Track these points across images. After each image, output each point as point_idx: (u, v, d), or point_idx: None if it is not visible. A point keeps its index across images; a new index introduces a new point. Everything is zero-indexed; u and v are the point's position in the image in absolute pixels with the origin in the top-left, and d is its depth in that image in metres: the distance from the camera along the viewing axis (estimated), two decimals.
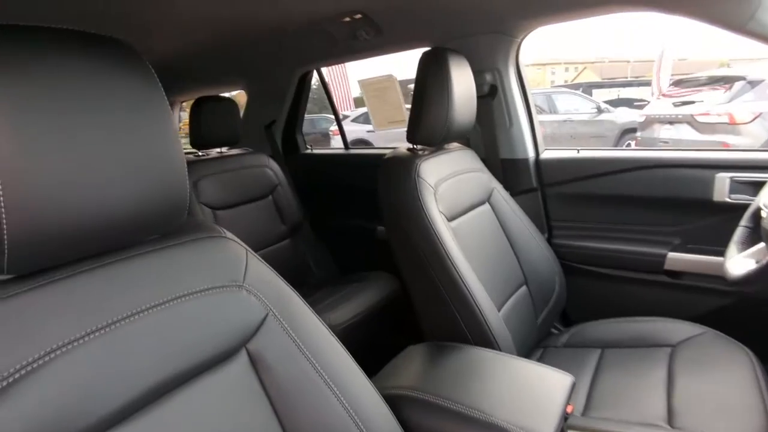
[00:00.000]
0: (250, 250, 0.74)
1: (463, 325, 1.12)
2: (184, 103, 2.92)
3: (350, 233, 2.16)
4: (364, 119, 8.69)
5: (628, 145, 6.97)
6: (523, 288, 1.37)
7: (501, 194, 1.45)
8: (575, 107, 7.76)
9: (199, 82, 2.42)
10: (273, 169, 2.02)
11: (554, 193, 1.59)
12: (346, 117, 8.75)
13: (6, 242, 0.44)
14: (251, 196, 1.93)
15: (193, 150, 1.94)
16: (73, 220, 0.48)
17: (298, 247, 2.08)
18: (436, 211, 1.14)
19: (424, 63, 1.20)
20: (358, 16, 1.49)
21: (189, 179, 1.72)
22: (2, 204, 0.43)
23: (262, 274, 0.71)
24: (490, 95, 1.53)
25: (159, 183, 0.57)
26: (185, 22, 1.54)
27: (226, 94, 2.14)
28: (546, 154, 1.61)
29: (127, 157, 0.52)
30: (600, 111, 7.50)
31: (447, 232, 1.14)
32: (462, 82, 1.23)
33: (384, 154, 2.05)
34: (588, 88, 10.02)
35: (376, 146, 8.55)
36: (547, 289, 1.42)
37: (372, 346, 1.83)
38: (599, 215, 1.53)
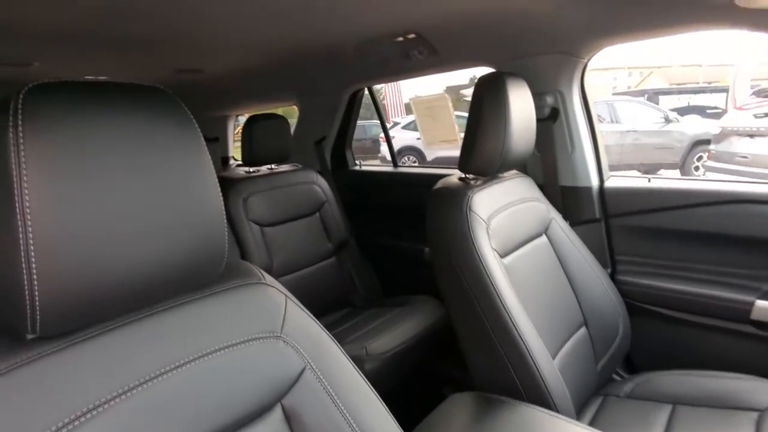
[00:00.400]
0: (289, 294, 0.70)
1: (514, 374, 1.04)
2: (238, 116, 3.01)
3: (396, 253, 2.11)
4: (414, 126, 8.65)
5: (700, 158, 6.44)
6: (583, 330, 1.26)
7: (560, 225, 1.34)
8: (640, 116, 7.29)
9: (252, 97, 2.47)
10: (321, 185, 2.02)
11: (620, 225, 1.45)
12: (396, 124, 8.75)
13: (38, 304, 0.43)
14: (299, 212, 1.93)
15: (244, 166, 1.97)
16: (108, 279, 0.47)
17: (344, 266, 2.06)
18: (488, 248, 1.07)
19: (481, 88, 1.13)
20: (412, 36, 1.44)
21: (239, 196, 1.71)
22: (34, 262, 0.41)
23: (301, 322, 0.68)
24: (550, 119, 1.43)
25: (198, 236, 0.54)
26: (239, 43, 1.56)
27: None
28: (612, 182, 1.47)
29: (166, 210, 0.50)
30: (668, 121, 7.00)
31: (499, 272, 1.06)
32: (521, 108, 1.14)
33: (433, 174, 2.03)
34: (654, 95, 9.40)
35: (425, 154, 8.59)
36: (609, 332, 1.29)
37: (416, 375, 1.76)
38: (672, 252, 1.37)
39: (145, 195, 0.48)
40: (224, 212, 0.58)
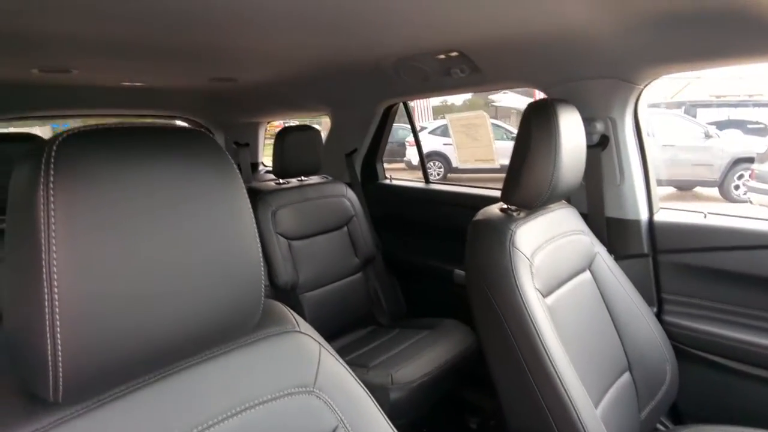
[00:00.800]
0: (323, 342, 0.67)
1: (553, 423, 0.97)
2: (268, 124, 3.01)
3: (425, 273, 2.05)
4: (441, 131, 8.55)
5: (741, 176, 6.15)
6: (626, 375, 1.17)
7: (604, 260, 1.26)
8: (676, 130, 7.00)
9: (284, 106, 2.45)
10: (350, 199, 1.98)
11: (669, 262, 1.36)
12: (423, 129, 8.66)
13: (61, 372, 0.39)
14: (327, 226, 1.89)
15: (272, 173, 1.95)
16: (138, 339, 0.43)
17: (370, 282, 2.01)
18: (531, 288, 1.00)
19: (529, 116, 1.06)
20: (455, 54, 1.38)
21: (268, 209, 1.67)
22: (58, 328, 0.38)
23: (335, 374, 0.64)
24: (599, 146, 1.35)
25: (234, 290, 0.51)
26: (274, 55, 1.53)
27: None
28: (662, 216, 1.38)
29: (202, 264, 0.47)
30: (708, 136, 6.70)
31: (542, 314, 0.99)
32: (572, 137, 1.07)
33: (466, 194, 1.95)
34: (691, 107, 9.03)
35: (451, 159, 8.46)
36: (654, 378, 1.20)
37: (442, 403, 1.70)
38: (727, 295, 1.27)
39: (180, 250, 0.45)
40: (262, 262, 0.54)
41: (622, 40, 1.12)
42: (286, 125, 1.86)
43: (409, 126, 2.25)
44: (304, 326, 0.67)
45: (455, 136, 1.79)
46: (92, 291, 0.40)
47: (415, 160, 8.27)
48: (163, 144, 0.47)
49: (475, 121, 1.70)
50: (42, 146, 0.40)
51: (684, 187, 6.52)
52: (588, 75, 1.28)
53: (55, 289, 0.38)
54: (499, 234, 1.04)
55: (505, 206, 1.15)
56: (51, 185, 0.38)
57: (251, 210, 0.54)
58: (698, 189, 6.51)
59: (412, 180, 2.22)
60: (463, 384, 1.73)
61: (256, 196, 1.72)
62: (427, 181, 2.15)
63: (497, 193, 1.84)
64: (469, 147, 1.77)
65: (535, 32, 1.16)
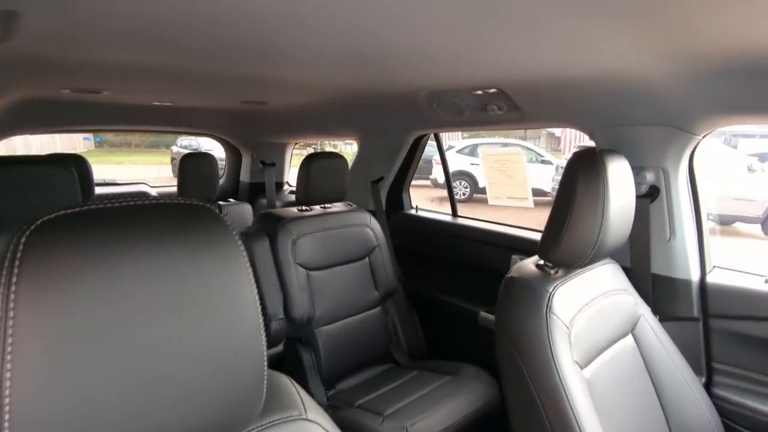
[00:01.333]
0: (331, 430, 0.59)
1: None
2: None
3: (446, 311, 1.95)
4: (469, 151, 8.45)
5: None
6: None
7: (649, 323, 1.14)
8: (716, 160, 6.69)
9: (312, 129, 2.42)
10: (374, 228, 1.90)
11: (722, 328, 1.23)
12: (451, 147, 8.57)
13: None
14: (348, 257, 1.82)
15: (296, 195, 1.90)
16: None
17: (389, 317, 1.92)
18: (569, 361, 0.90)
19: (575, 166, 0.97)
20: (493, 90, 1.31)
21: (289, 237, 1.59)
22: None
23: None
24: (647, 196, 1.24)
25: (232, 389, 0.44)
26: (305, 83, 1.50)
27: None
28: (716, 276, 1.25)
29: (194, 365, 0.41)
30: (750, 170, 6.38)
31: (579, 389, 0.89)
32: (621, 191, 0.97)
33: (496, 232, 1.85)
34: (732, 137, 8.64)
35: (478, 179, 8.31)
36: None
37: None
38: None
39: (172, 353, 0.39)
40: (264, 352, 0.47)
41: (684, 87, 1.02)
42: (313, 152, 1.81)
43: (435, 143, 2.16)
44: (312, 411, 0.59)
45: (488, 172, 1.71)
46: (56, 412, 0.33)
47: (441, 178, 8.18)
48: (156, 229, 0.40)
49: (509, 158, 1.61)
50: (8, 239, 0.34)
51: (723, 222, 6.20)
52: (639, 121, 1.18)
53: (6, 415, 0.32)
54: (535, 296, 0.94)
55: (541, 262, 1.05)
56: (12, 294, 0.32)
57: (255, 293, 0.47)
58: (738, 224, 6.18)
59: (439, 212, 2.13)
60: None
61: (278, 223, 1.67)
62: (454, 214, 2.06)
63: (532, 235, 1.76)
64: (501, 183, 1.68)
65: (583, 74, 1.08)
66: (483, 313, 1.78)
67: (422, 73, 1.24)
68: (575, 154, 0.98)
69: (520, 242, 1.72)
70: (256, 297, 0.47)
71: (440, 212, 2.12)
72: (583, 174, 0.95)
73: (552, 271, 1.02)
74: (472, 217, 1.99)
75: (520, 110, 1.35)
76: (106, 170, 9.80)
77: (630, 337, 1.12)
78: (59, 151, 2.20)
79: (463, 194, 8.14)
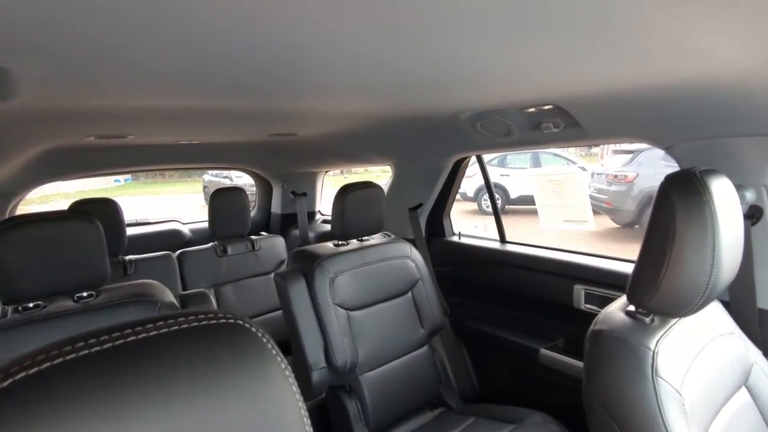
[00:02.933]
0: None
1: None
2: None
3: (500, 348, 1.77)
4: (498, 162, 8.22)
5: None
6: None
7: (763, 370, 0.95)
8: None
9: (344, 157, 2.32)
10: (415, 260, 1.76)
11: None
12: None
13: None
14: (390, 293, 1.68)
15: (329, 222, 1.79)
16: None
17: (437, 356, 1.76)
18: None
19: (670, 194, 0.80)
20: (549, 107, 1.16)
21: (326, 276, 1.46)
22: None
23: None
24: (748, 218, 1.04)
25: None
26: (336, 112, 1.39)
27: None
28: None
29: None
30: None
31: None
32: (731, 219, 0.79)
33: (552, 259, 1.67)
34: None
35: (509, 191, 8.05)
36: None
37: None
38: None
39: None
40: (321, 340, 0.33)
41: None
42: (347, 183, 1.69)
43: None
44: None
45: (540, 193, 1.53)
46: None
47: (470, 192, 7.96)
48: (178, 373, 0.28)
49: (568, 177, 1.44)
50: None
51: None
52: (736, 132, 1.00)
53: None
54: (635, 356, 0.77)
55: (632, 308, 0.88)
56: None
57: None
58: None
59: (485, 238, 1.97)
60: None
61: (314, 261, 1.55)
62: (503, 239, 1.89)
63: (596, 262, 1.56)
64: (556, 205, 1.50)
65: (666, 84, 0.91)
66: (544, 351, 1.60)
67: (466, 94, 1.11)
68: (668, 179, 0.81)
69: (582, 271, 1.53)
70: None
71: (486, 238, 1.95)
72: (682, 202, 0.77)
73: (647, 320, 0.84)
74: (524, 243, 1.81)
75: (581, 127, 1.19)
76: (143, 201, 10.43)
77: (744, 391, 0.92)
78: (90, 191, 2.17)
79: None
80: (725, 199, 0.79)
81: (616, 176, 5.69)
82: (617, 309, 0.89)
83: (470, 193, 8.02)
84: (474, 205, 7.98)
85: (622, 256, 1.54)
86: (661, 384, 0.74)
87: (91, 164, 2.08)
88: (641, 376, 0.75)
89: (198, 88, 0.92)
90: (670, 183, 0.80)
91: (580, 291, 1.51)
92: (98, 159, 2.04)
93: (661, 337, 0.80)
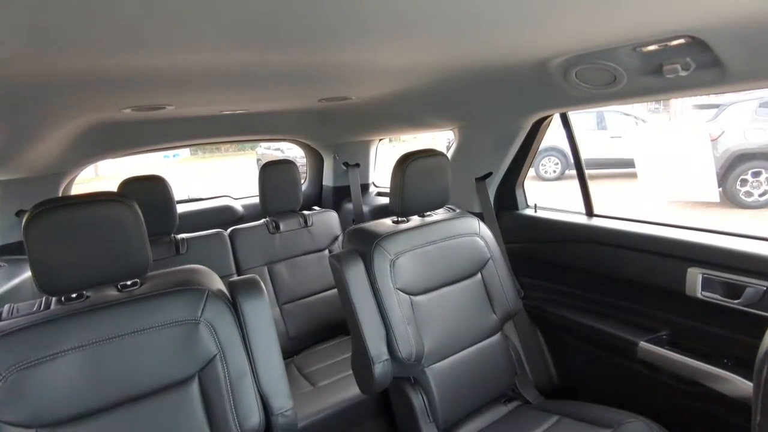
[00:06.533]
0: None
1: None
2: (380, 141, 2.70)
3: (588, 339, 1.54)
4: (557, 124, 7.60)
5: None
6: None
7: None
8: None
9: (401, 122, 2.09)
10: (485, 237, 1.54)
11: None
12: None
13: None
14: (457, 275, 1.49)
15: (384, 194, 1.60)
16: None
17: (511, 345, 1.56)
18: None
19: None
20: (680, 41, 0.87)
21: (386, 258, 1.26)
22: None
23: None
24: None
25: None
26: (393, 69, 1.18)
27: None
28: None
29: None
30: None
31: None
32: None
33: (662, 238, 1.30)
34: None
35: (569, 155, 7.36)
36: None
37: None
38: None
39: None
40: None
41: None
42: (407, 151, 1.48)
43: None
44: None
45: (642, 159, 1.24)
46: None
47: (543, 169, 7.42)
48: None
49: (688, 134, 1.13)
50: None
51: None
52: None
53: None
54: None
55: None
56: None
57: None
58: None
59: (566, 211, 1.70)
60: None
61: (372, 242, 1.38)
62: (590, 213, 1.62)
63: (717, 240, 1.23)
64: (666, 176, 1.21)
65: None
66: (644, 344, 1.35)
67: (559, 32, 0.86)
68: None
69: (698, 250, 1.25)
70: None
71: (569, 211, 1.68)
72: None
73: None
74: (619, 216, 1.53)
75: (722, 66, 0.90)
76: (206, 169, 11.57)
77: None
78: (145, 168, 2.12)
79: (554, 171, 7.34)
80: None
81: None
82: None
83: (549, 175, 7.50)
84: (531, 171, 7.48)
85: (754, 234, 1.23)
86: None
87: (133, 141, 2.00)
88: None
89: (240, 38, 0.76)
90: None
91: (695, 275, 1.24)
92: (141, 135, 1.96)
93: None
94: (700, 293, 1.23)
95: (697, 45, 0.88)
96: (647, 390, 1.38)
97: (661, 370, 1.32)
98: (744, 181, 4.79)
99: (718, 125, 5.04)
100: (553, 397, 1.55)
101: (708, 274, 1.22)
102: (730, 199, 4.84)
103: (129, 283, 0.98)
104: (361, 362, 1.32)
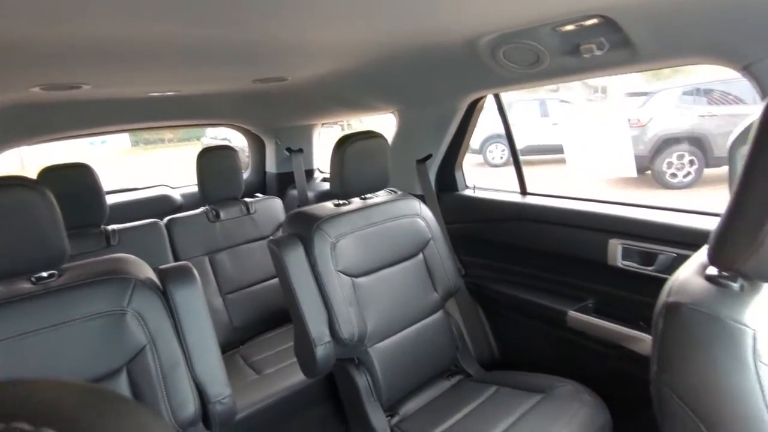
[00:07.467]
0: None
1: None
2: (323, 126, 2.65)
3: (524, 311, 1.61)
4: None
5: None
6: None
7: None
8: None
9: (342, 105, 2.07)
10: (425, 218, 1.57)
11: None
12: None
13: None
14: (398, 255, 1.51)
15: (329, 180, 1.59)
16: None
17: (453, 322, 1.61)
18: None
19: None
20: (593, 21, 0.92)
21: (326, 241, 1.25)
22: None
23: None
24: None
25: None
26: (330, 48, 1.16)
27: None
28: None
29: None
30: None
31: None
32: None
33: (588, 213, 1.44)
34: None
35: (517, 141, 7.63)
36: None
37: None
38: None
39: None
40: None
41: None
42: (346, 133, 1.47)
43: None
44: None
45: (569, 143, 1.30)
46: None
47: (476, 144, 7.62)
48: None
49: (607, 117, 1.20)
50: None
51: None
52: None
53: None
54: (729, 338, 0.59)
55: (714, 272, 0.68)
56: None
57: None
58: None
59: (502, 191, 1.76)
60: None
61: (312, 224, 1.36)
62: (524, 191, 1.69)
63: (635, 213, 1.34)
64: (590, 151, 1.28)
65: None
66: (573, 313, 1.44)
67: (486, 9, 0.88)
68: None
69: (619, 223, 1.34)
70: None
71: (505, 190, 1.74)
72: None
73: (735, 287, 0.65)
74: (549, 194, 1.61)
75: (632, 46, 0.95)
76: (148, 161, 11.04)
77: None
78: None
79: (501, 158, 7.59)
80: None
81: (628, 120, 5.40)
82: (693, 274, 0.70)
83: (475, 145, 7.69)
84: (479, 158, 7.68)
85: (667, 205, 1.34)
86: (765, 373, 0.56)
87: (49, 125, 1.83)
88: (740, 363, 0.57)
89: (156, 8, 0.70)
90: None
91: (616, 246, 1.33)
92: (56, 118, 1.79)
93: (758, 309, 0.62)
94: (620, 262, 1.32)
95: (608, 25, 0.92)
96: (576, 355, 1.47)
97: (588, 336, 1.41)
98: (669, 164, 5.19)
99: (647, 111, 5.41)
100: (493, 368, 1.62)
101: (627, 245, 1.31)
102: (657, 180, 5.22)
103: (45, 275, 0.92)
104: (303, 346, 1.32)
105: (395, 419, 1.40)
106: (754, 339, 0.58)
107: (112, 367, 0.91)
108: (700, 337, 0.61)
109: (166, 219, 1.94)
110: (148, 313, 0.95)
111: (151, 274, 1.03)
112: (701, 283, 0.67)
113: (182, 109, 2.09)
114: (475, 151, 7.77)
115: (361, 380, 1.38)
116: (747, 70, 0.90)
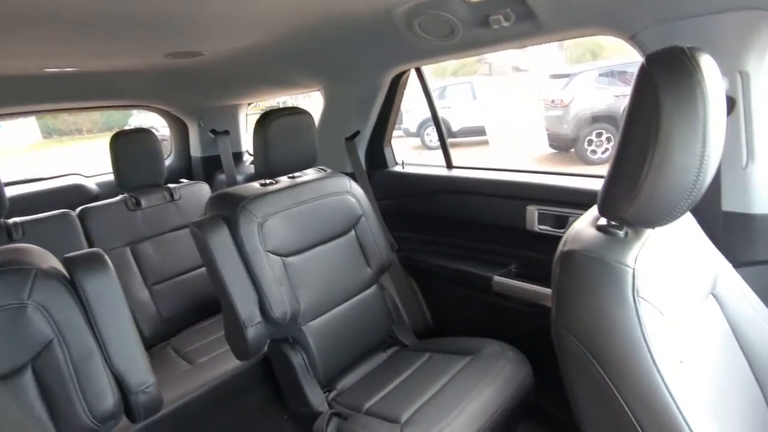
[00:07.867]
0: None
1: None
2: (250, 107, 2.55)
3: (452, 279, 1.68)
4: (438, 94, 7.99)
5: None
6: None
7: (729, 278, 0.89)
8: None
9: (266, 83, 2.00)
10: (356, 194, 1.58)
11: None
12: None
13: None
14: (329, 233, 1.50)
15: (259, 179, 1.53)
16: None
17: (387, 295, 1.64)
18: (672, 360, 0.63)
19: (652, 76, 0.63)
20: None
21: (253, 221, 1.22)
22: None
23: None
24: None
25: None
26: (247, 17, 1.11)
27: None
28: None
29: None
30: None
31: (688, 391, 0.63)
32: (719, 106, 0.66)
33: (505, 182, 1.52)
34: None
35: (450, 124, 7.89)
36: None
37: None
38: None
39: None
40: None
41: None
42: (268, 109, 1.43)
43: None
44: None
45: (490, 124, 1.35)
46: None
47: (412, 127, 7.73)
48: None
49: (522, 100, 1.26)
50: None
51: None
52: (712, 7, 0.85)
53: None
54: (612, 276, 0.65)
55: (603, 222, 0.75)
56: None
57: None
58: None
59: (430, 165, 1.81)
60: (518, 422, 1.39)
61: (237, 205, 1.32)
62: (449, 165, 1.74)
63: (547, 180, 1.42)
64: (508, 136, 1.34)
65: None
66: (498, 278, 1.52)
67: None
68: (650, 58, 0.65)
69: (534, 190, 1.42)
70: None
71: (432, 165, 1.79)
72: (668, 84, 0.62)
73: (621, 233, 0.72)
74: (473, 166, 1.67)
75: (536, 18, 1.01)
76: (64, 155, 9.71)
77: (711, 299, 0.86)
78: None
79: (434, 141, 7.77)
80: (713, 81, 0.64)
81: (552, 101, 5.71)
82: (587, 225, 0.77)
83: (413, 129, 7.80)
84: (417, 141, 7.80)
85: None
86: (642, 305, 0.63)
87: None
88: (621, 299, 0.63)
89: None
90: (652, 62, 0.64)
91: (533, 212, 1.41)
92: None
93: (641, 252, 0.68)
94: (537, 227, 1.41)
95: None
96: (502, 317, 1.56)
97: (512, 299, 1.50)
98: (590, 141, 5.56)
99: (569, 92, 5.74)
100: (427, 337, 1.68)
101: (542, 210, 1.39)
102: (580, 157, 5.59)
103: None
104: (234, 329, 1.29)
105: (333, 394, 1.42)
106: (633, 276, 0.64)
107: (13, 364, 0.84)
108: (589, 279, 0.67)
109: (78, 209, 1.80)
110: (53, 304, 0.88)
111: (57, 264, 0.95)
112: (592, 233, 0.73)
113: (87, 89, 1.91)
114: (412, 135, 7.89)
115: (297, 359, 1.38)
116: (634, 39, 0.98)
